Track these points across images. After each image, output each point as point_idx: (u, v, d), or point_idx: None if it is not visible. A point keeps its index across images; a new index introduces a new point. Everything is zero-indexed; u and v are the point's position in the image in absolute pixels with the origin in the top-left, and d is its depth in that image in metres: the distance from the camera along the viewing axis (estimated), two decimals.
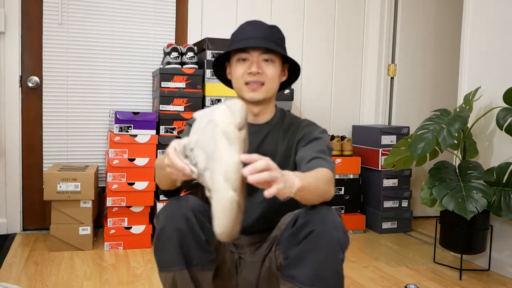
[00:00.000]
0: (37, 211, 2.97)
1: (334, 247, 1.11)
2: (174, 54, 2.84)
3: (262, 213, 1.39)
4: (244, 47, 1.33)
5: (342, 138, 3.19)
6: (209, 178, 0.93)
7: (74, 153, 2.99)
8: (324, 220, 1.13)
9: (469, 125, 2.51)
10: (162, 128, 2.74)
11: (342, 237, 1.14)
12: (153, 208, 2.78)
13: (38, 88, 2.93)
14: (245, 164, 0.94)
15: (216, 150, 0.92)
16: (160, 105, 2.73)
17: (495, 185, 2.36)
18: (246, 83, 1.36)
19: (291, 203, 1.40)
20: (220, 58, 1.44)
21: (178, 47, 2.87)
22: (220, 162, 0.90)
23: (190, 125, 1.40)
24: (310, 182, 1.08)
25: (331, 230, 1.12)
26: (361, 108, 3.62)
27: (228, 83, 1.50)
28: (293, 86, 3.24)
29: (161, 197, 2.68)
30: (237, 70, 1.38)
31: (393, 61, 3.56)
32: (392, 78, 3.58)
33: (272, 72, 1.36)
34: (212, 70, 2.33)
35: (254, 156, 0.95)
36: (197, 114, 1.05)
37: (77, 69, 2.97)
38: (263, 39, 1.34)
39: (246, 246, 1.41)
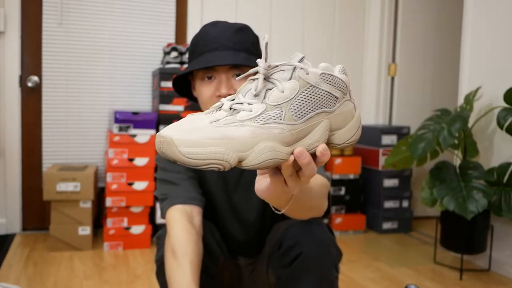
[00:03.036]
0: (36, 211, 2.96)
1: (326, 268, 1.06)
2: (174, 53, 2.83)
3: (256, 233, 1.33)
4: (207, 66, 1.11)
5: None
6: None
7: (73, 153, 2.99)
8: (311, 240, 1.06)
9: (469, 125, 2.50)
10: (161, 128, 2.73)
11: (334, 254, 1.08)
12: (153, 208, 2.78)
13: (38, 88, 2.92)
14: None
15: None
16: (160, 105, 2.73)
17: (495, 185, 2.35)
18: None
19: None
20: (180, 77, 1.23)
21: (177, 46, 2.86)
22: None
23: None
24: (305, 190, 0.90)
25: (320, 250, 1.05)
26: (362, 108, 3.61)
27: (195, 98, 1.27)
28: None
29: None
30: (203, 91, 1.16)
31: (393, 60, 3.56)
32: (392, 78, 3.57)
33: None
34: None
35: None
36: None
37: (77, 68, 2.96)
38: (231, 48, 1.13)
39: (244, 267, 1.38)
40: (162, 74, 2.72)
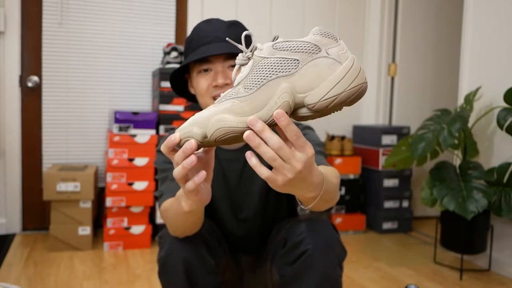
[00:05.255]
0: (36, 211, 2.96)
1: (331, 265, 1.06)
2: (174, 53, 2.83)
3: (256, 228, 1.34)
4: (202, 56, 1.14)
5: (343, 138, 3.19)
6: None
7: (73, 153, 2.98)
8: (316, 237, 1.07)
9: (469, 125, 2.50)
10: (161, 128, 2.73)
11: (338, 252, 1.09)
12: (153, 208, 2.78)
13: (38, 88, 2.92)
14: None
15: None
16: (160, 105, 2.73)
17: (495, 185, 2.35)
18: (214, 98, 1.19)
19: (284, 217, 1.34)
20: (176, 72, 1.25)
21: (177, 46, 2.86)
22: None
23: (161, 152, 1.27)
24: (328, 185, 0.89)
25: (325, 248, 1.06)
26: (362, 108, 3.61)
27: (193, 98, 1.32)
28: None
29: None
30: (201, 83, 1.20)
31: (393, 60, 3.56)
32: (392, 78, 3.57)
33: None
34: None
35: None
36: None
37: (77, 68, 2.96)
38: (225, 41, 1.16)
39: (245, 265, 1.38)
40: (162, 74, 2.72)
